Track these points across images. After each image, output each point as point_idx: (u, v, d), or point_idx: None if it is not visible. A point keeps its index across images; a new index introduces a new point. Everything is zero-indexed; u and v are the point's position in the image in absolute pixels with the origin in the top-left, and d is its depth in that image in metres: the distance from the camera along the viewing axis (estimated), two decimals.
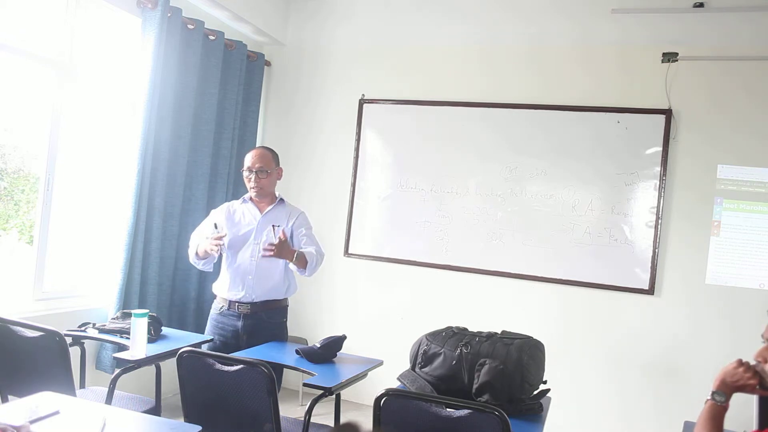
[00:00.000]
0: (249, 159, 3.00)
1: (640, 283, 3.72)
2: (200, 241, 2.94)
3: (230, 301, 2.98)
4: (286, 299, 3.08)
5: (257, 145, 4.56)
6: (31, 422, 1.59)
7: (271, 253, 2.73)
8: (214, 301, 3.08)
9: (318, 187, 4.54)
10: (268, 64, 4.61)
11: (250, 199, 3.06)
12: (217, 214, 3.07)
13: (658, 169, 3.72)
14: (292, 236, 3.00)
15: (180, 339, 2.83)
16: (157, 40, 3.41)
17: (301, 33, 4.65)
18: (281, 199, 3.08)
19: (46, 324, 2.37)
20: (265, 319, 2.98)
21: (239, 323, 2.96)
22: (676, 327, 3.68)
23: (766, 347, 1.56)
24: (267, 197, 3.05)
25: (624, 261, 3.76)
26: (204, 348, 2.77)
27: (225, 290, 3.00)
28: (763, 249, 3.55)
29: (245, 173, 3.00)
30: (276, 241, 2.76)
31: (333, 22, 4.55)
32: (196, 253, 2.96)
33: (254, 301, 2.95)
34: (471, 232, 4.09)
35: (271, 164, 3.01)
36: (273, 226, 2.95)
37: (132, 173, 3.39)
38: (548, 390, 2.33)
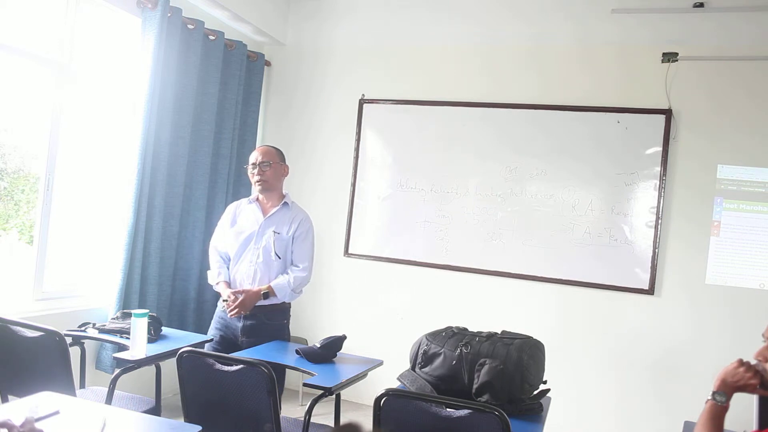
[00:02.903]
0: (252, 155, 3.02)
1: (640, 283, 3.72)
2: (222, 271, 3.01)
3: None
4: (285, 303, 3.04)
5: (258, 145, 4.59)
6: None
7: (233, 313, 2.84)
8: (220, 298, 3.07)
9: (318, 187, 4.54)
10: (268, 64, 4.61)
11: (257, 199, 3.06)
12: (230, 217, 3.08)
13: (658, 169, 3.72)
14: (291, 242, 2.99)
15: (180, 339, 2.83)
16: (157, 40, 3.41)
17: (301, 33, 4.65)
18: (286, 202, 3.04)
19: (46, 324, 2.37)
20: (266, 321, 2.96)
21: (239, 324, 2.96)
22: (676, 327, 3.68)
23: (767, 346, 1.56)
24: (273, 194, 3.02)
25: (624, 261, 3.76)
26: (206, 348, 2.78)
27: (226, 293, 3.00)
28: (763, 249, 3.55)
29: (249, 169, 3.01)
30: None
31: (333, 22, 4.55)
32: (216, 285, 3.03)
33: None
34: (471, 232, 4.09)
35: (275, 158, 3.02)
36: (274, 231, 2.95)
37: (132, 173, 3.39)
38: (548, 390, 2.33)
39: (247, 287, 2.93)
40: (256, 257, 2.95)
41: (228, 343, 2.96)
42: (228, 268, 3.04)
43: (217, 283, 3.02)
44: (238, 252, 2.99)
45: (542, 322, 3.85)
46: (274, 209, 3.01)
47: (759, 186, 3.58)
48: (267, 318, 2.96)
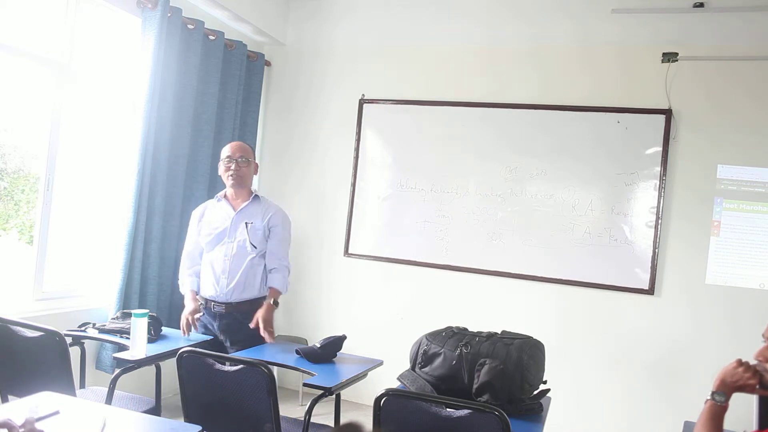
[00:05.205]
0: (228, 149, 3.02)
1: (640, 283, 3.72)
2: (186, 295, 3.02)
3: (206, 300, 3.00)
4: (261, 299, 3.04)
5: (259, 144, 4.60)
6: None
7: (270, 334, 2.89)
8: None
9: (318, 187, 4.54)
10: (268, 64, 4.61)
11: (225, 196, 3.06)
12: (197, 217, 3.08)
13: (658, 169, 3.72)
14: (267, 233, 3.00)
15: (180, 339, 2.83)
16: (157, 40, 3.41)
17: (301, 33, 4.65)
18: (256, 196, 3.06)
19: (46, 324, 2.37)
20: (241, 320, 2.97)
21: (215, 323, 2.98)
22: (676, 327, 3.68)
23: (767, 346, 1.56)
24: (243, 190, 3.03)
25: (624, 261, 3.76)
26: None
27: (202, 288, 3.03)
28: (763, 249, 3.55)
29: (224, 162, 3.00)
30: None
31: (333, 22, 4.55)
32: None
33: (229, 301, 2.96)
34: (471, 232, 4.09)
35: (250, 155, 3.05)
36: (246, 223, 2.97)
37: (132, 173, 3.39)
38: (548, 390, 2.33)
39: (223, 281, 2.95)
40: (230, 251, 2.96)
41: (214, 342, 2.96)
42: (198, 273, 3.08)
43: (184, 292, 3.05)
44: (210, 247, 3.00)
45: (542, 322, 3.85)
46: (245, 203, 3.02)
47: (759, 186, 3.58)
48: (243, 317, 2.97)
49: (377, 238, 4.35)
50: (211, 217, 3.04)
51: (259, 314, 2.91)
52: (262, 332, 2.87)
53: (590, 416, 3.81)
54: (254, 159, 3.09)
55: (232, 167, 2.97)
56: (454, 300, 4.10)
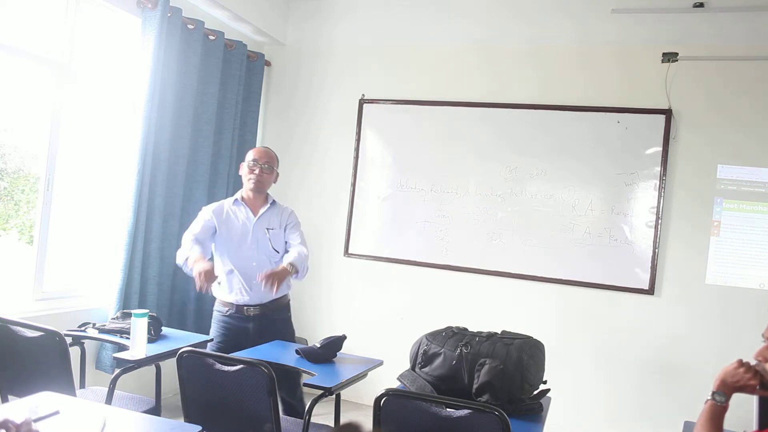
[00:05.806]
0: (255, 153, 3.05)
1: (640, 283, 3.72)
2: (193, 253, 2.79)
3: (237, 305, 2.98)
4: (287, 294, 3.14)
5: (258, 145, 4.60)
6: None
7: (270, 285, 2.70)
8: (217, 303, 3.08)
9: (318, 187, 4.54)
10: (268, 64, 4.61)
11: (242, 199, 3.06)
12: (209, 213, 3.00)
13: (658, 169, 3.72)
14: (284, 233, 3.06)
15: (180, 339, 2.83)
16: (157, 40, 3.41)
17: (301, 33, 4.65)
18: (273, 201, 3.11)
19: (46, 324, 2.37)
20: (274, 317, 3.02)
21: (249, 325, 2.99)
22: (676, 327, 3.68)
23: (767, 346, 1.56)
24: (261, 195, 3.07)
25: (624, 261, 3.76)
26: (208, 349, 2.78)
27: (228, 294, 3.00)
28: (763, 249, 3.55)
29: (249, 164, 3.00)
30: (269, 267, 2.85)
31: (333, 22, 4.55)
32: (186, 262, 2.83)
33: (263, 302, 2.98)
34: (471, 232, 4.09)
35: (275, 163, 3.09)
36: (267, 229, 3.01)
37: (132, 173, 3.39)
38: (548, 390, 2.33)
39: (256, 286, 2.89)
40: (257, 256, 2.98)
41: (234, 346, 2.95)
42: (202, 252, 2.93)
43: (188, 258, 2.80)
44: (234, 253, 2.99)
45: (542, 322, 3.85)
46: (264, 208, 3.05)
47: (759, 186, 3.58)
48: (275, 314, 3.03)
49: (377, 238, 4.35)
50: (231, 221, 3.02)
51: (270, 269, 2.77)
52: (262, 277, 2.70)
53: (590, 416, 3.81)
54: (277, 168, 3.11)
55: (256, 171, 2.99)
56: (454, 300, 4.10)
